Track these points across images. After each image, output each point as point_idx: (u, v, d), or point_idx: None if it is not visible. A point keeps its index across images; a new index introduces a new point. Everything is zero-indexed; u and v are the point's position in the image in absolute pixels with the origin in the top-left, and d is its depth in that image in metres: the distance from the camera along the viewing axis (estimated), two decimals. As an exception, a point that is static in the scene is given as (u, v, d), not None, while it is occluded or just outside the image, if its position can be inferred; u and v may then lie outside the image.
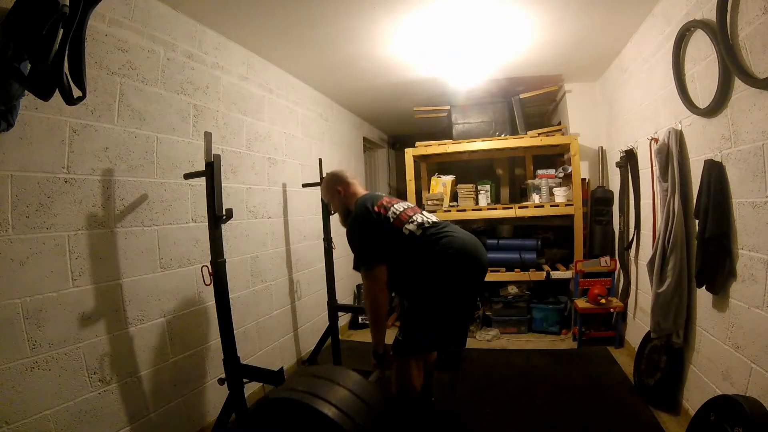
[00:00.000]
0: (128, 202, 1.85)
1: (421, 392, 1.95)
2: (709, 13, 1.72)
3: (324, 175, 2.27)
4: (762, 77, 1.45)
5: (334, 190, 2.10)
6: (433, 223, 1.90)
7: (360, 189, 2.12)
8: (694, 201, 1.92)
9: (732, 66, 1.58)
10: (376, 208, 1.89)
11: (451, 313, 1.85)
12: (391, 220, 1.87)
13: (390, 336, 1.89)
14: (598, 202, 3.49)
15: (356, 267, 1.89)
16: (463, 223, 4.43)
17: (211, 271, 1.86)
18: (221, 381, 1.90)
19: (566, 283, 3.74)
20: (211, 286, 1.88)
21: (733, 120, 1.67)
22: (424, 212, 2.00)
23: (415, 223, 1.87)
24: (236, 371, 1.90)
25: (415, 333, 1.83)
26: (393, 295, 2.08)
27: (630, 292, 3.11)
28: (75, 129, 1.62)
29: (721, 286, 1.76)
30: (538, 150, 4.24)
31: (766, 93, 1.45)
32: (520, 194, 4.51)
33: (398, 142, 6.31)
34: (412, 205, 2.04)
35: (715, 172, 1.73)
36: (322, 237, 3.13)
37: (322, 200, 3.10)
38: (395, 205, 1.95)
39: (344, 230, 2.02)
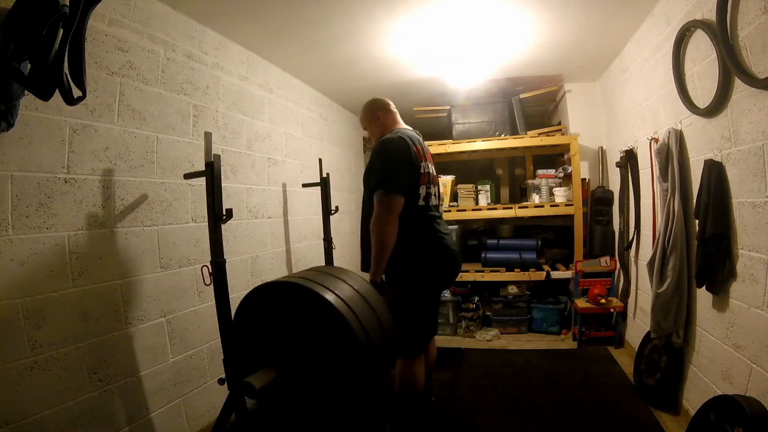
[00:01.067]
0: (128, 202, 1.85)
1: (423, 392, 1.95)
2: (709, 13, 1.72)
3: (365, 104, 2.15)
4: (762, 77, 1.45)
5: (373, 115, 2.05)
6: (434, 206, 1.92)
7: (401, 122, 2.05)
8: (694, 201, 1.92)
9: (732, 66, 1.58)
10: (415, 149, 1.83)
11: (434, 308, 1.99)
12: (420, 171, 1.83)
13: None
14: (598, 202, 3.49)
15: (374, 187, 1.74)
16: (463, 223, 4.49)
17: (211, 271, 1.86)
18: (221, 381, 1.90)
19: (566, 283, 3.74)
20: (211, 286, 1.88)
21: (733, 120, 1.67)
22: (437, 187, 2.00)
23: (425, 193, 1.86)
24: (236, 371, 1.89)
25: (415, 332, 1.84)
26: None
27: (630, 292, 3.11)
28: (75, 129, 1.62)
29: (721, 286, 1.76)
30: (538, 150, 4.24)
31: (766, 93, 1.45)
32: (520, 194, 4.51)
33: (398, 142, 6.29)
34: (434, 172, 2.00)
35: (715, 172, 1.73)
36: (322, 237, 3.13)
37: (322, 200, 3.11)
38: (426, 162, 1.90)
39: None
